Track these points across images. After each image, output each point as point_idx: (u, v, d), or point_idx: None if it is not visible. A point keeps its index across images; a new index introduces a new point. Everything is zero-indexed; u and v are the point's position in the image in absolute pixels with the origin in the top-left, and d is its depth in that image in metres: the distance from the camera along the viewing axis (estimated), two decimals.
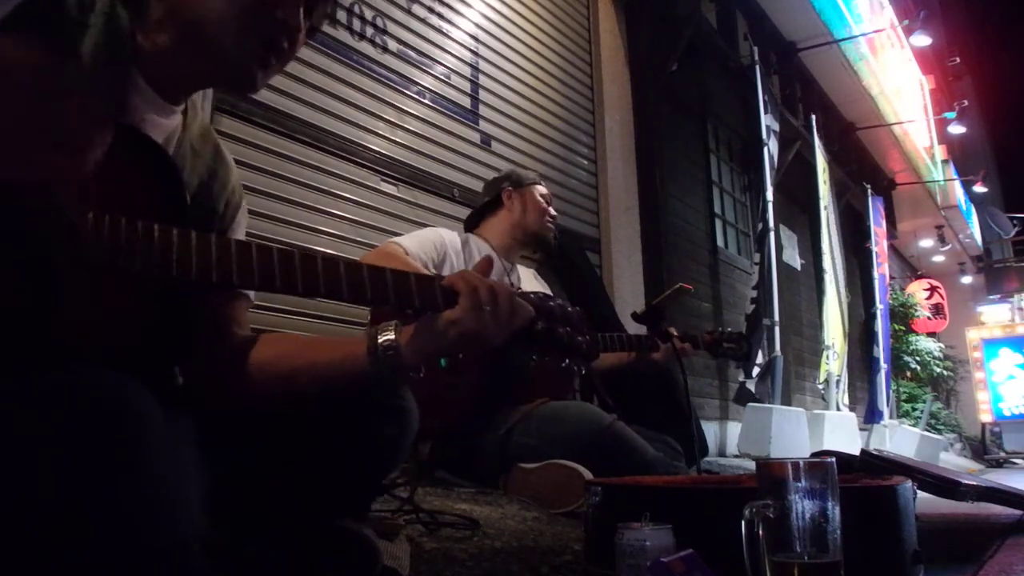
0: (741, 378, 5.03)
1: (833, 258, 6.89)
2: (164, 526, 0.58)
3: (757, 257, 5.40)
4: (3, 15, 0.74)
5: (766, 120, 5.71)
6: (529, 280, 2.47)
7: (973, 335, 12.00)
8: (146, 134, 0.81)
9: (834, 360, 6.41)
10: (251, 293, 1.00)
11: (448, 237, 2.26)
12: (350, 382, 0.91)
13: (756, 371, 5.02)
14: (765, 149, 5.65)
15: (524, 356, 1.00)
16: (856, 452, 1.82)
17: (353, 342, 0.92)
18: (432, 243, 2.19)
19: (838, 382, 6.47)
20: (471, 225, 2.47)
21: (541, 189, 2.44)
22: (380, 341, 0.89)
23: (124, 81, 0.85)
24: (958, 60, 14.88)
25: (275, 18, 0.88)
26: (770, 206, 5.52)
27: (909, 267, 12.96)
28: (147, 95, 0.88)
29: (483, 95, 3.62)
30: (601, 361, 2.42)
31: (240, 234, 1.01)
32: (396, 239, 2.21)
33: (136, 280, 0.74)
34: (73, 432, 0.56)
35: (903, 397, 9.90)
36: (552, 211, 2.44)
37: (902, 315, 10.58)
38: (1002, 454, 10.62)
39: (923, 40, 10.02)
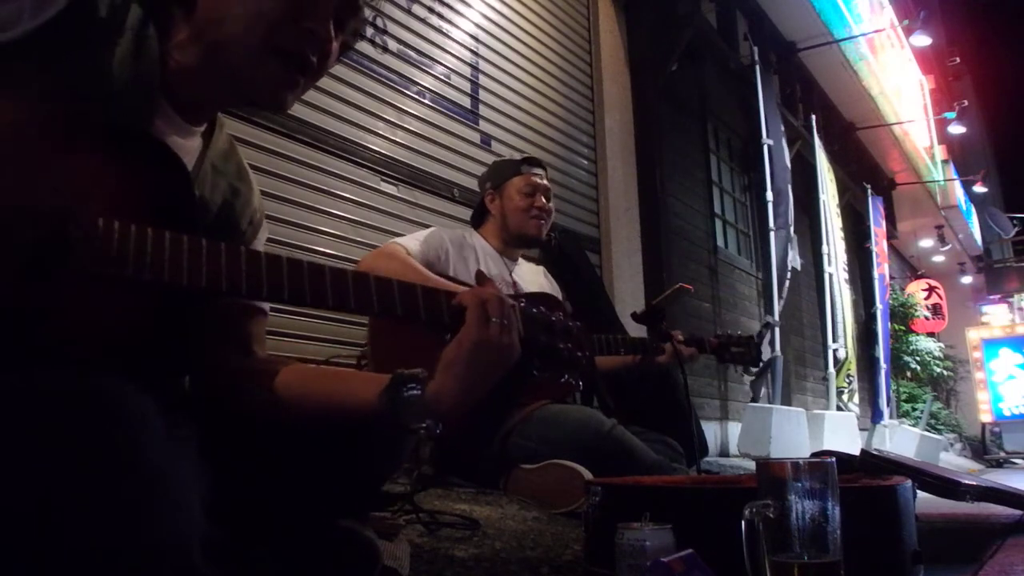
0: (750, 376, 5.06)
1: (836, 257, 6.92)
2: (162, 527, 0.58)
3: (776, 259, 5.42)
4: (34, 26, 0.74)
5: (768, 120, 5.71)
6: (537, 278, 2.44)
7: (973, 335, 12.00)
8: (162, 141, 0.81)
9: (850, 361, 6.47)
10: (267, 309, 0.99)
11: (449, 236, 2.26)
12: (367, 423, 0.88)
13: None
14: (765, 148, 5.65)
15: (524, 370, 0.99)
16: (856, 452, 1.82)
17: (374, 384, 0.87)
18: (433, 243, 2.19)
19: (850, 382, 6.53)
20: (476, 222, 2.46)
21: (521, 181, 2.33)
22: (406, 395, 0.84)
23: (150, 103, 0.84)
24: (958, 60, 14.88)
25: (303, 31, 0.85)
26: (770, 206, 5.53)
27: (909, 267, 12.96)
28: (169, 116, 0.87)
29: (483, 95, 3.62)
30: (604, 364, 2.41)
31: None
32: (397, 239, 2.21)
33: (142, 287, 0.73)
34: (71, 432, 0.56)
35: (903, 397, 9.91)
36: (540, 200, 2.32)
37: (902, 315, 10.59)
38: (1002, 454, 10.63)
39: (923, 40, 10.03)
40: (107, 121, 0.77)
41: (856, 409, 6.65)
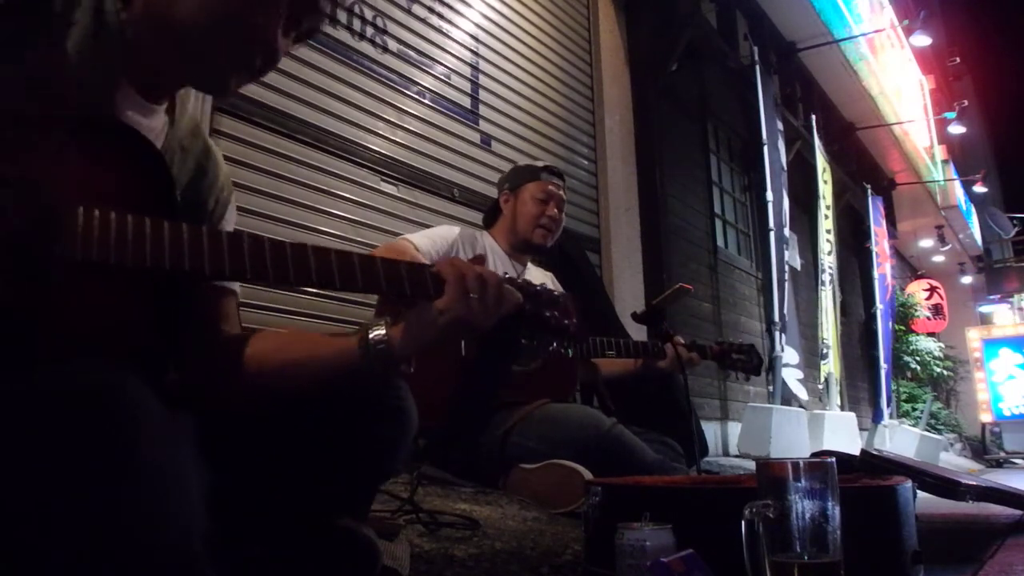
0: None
1: (825, 258, 6.92)
2: (164, 525, 0.58)
3: (801, 261, 5.47)
4: None
5: (767, 120, 5.71)
6: (544, 284, 2.45)
7: (973, 335, 12.00)
8: (134, 128, 0.81)
9: (831, 361, 6.45)
10: (238, 289, 1.00)
11: (460, 234, 2.26)
12: (342, 376, 0.92)
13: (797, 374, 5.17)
14: (765, 149, 5.66)
15: (513, 339, 1.01)
16: (856, 452, 1.82)
17: (345, 337, 0.92)
18: (442, 240, 2.20)
19: (836, 382, 6.52)
20: (488, 223, 2.46)
21: (537, 188, 2.34)
22: (371, 336, 0.90)
23: (110, 80, 0.84)
24: (958, 60, 14.88)
25: (249, 28, 0.85)
26: (770, 206, 5.54)
27: (909, 267, 12.96)
28: (128, 94, 0.86)
29: (483, 95, 3.62)
30: (607, 369, 2.40)
31: (229, 229, 1.01)
32: (408, 235, 2.21)
33: (129, 277, 0.74)
34: (72, 427, 0.56)
35: (903, 397, 9.90)
36: (552, 210, 2.33)
37: (902, 315, 10.58)
38: (1002, 454, 10.62)
39: (923, 40, 10.03)
40: (72, 107, 0.77)
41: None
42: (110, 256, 0.71)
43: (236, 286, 1.00)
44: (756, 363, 2.56)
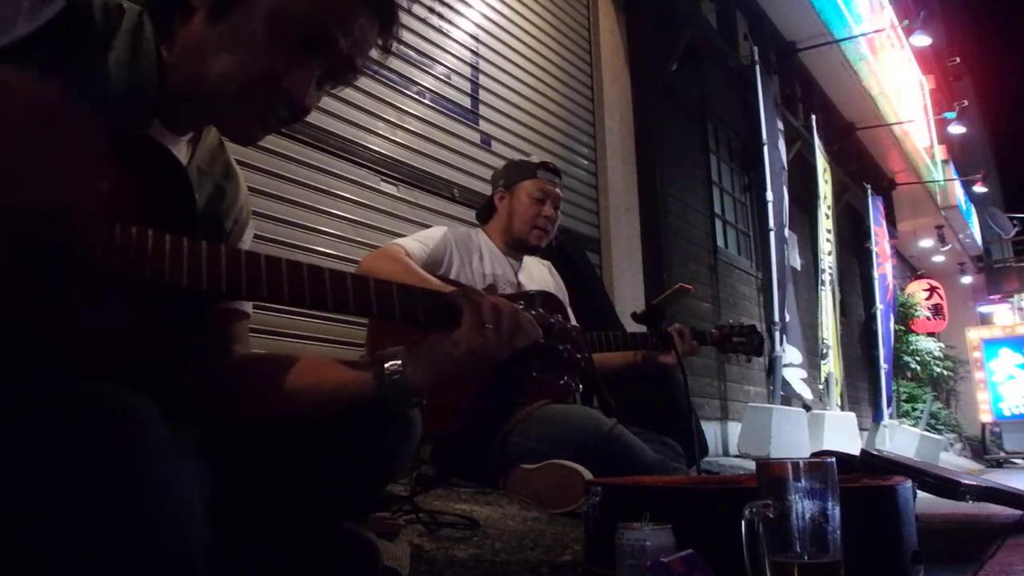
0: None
1: (825, 258, 6.92)
2: (165, 523, 0.58)
3: (801, 261, 5.49)
4: (30, 30, 0.74)
5: (767, 120, 5.71)
6: (543, 275, 2.44)
7: (973, 335, 12.00)
8: (160, 143, 0.81)
9: (831, 361, 6.45)
10: (250, 311, 1.00)
11: (453, 236, 2.26)
12: (355, 405, 0.92)
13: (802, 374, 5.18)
14: (765, 149, 5.66)
15: (524, 371, 1.02)
16: (856, 452, 1.82)
17: (360, 365, 0.93)
18: (434, 243, 2.19)
19: (836, 382, 6.52)
20: (482, 219, 2.46)
21: (533, 186, 2.33)
22: (387, 367, 0.90)
23: (140, 108, 0.84)
24: (958, 60, 14.89)
25: (280, 91, 0.85)
26: (770, 206, 5.54)
27: (909, 267, 12.96)
28: (153, 123, 0.87)
29: (483, 95, 3.62)
30: (607, 362, 2.40)
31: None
32: (399, 240, 2.21)
33: (141, 291, 0.74)
34: (73, 427, 0.56)
35: (903, 397, 9.90)
36: (548, 209, 2.32)
37: (902, 315, 10.58)
38: (1002, 454, 10.62)
39: (923, 40, 10.04)
40: (106, 124, 0.77)
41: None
42: (130, 271, 0.71)
43: (248, 308, 1.00)
44: (758, 343, 2.52)
